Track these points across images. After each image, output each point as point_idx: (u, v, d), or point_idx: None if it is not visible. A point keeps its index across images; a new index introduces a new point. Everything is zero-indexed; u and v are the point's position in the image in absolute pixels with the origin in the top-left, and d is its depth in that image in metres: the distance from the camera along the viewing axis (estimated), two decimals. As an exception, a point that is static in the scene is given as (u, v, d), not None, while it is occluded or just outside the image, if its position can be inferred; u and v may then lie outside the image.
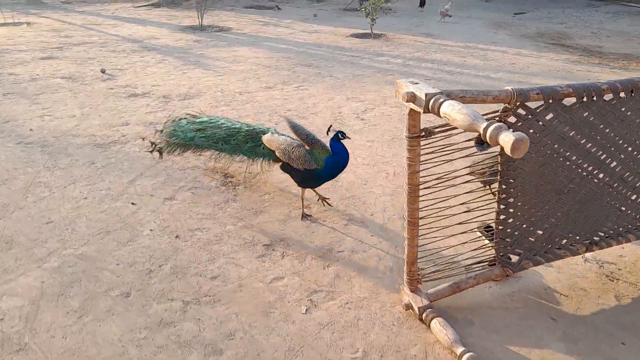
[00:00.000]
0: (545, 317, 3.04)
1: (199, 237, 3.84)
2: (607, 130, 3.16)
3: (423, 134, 2.65)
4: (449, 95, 2.42)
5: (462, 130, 2.75)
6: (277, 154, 4.06)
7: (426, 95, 2.33)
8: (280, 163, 4.17)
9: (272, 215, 4.17)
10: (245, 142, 4.30)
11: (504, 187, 2.98)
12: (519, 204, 3.07)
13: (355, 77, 9.00)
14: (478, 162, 4.15)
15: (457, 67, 9.87)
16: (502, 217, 3.07)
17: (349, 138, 4.04)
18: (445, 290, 3.10)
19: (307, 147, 3.97)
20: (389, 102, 7.48)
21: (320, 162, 3.90)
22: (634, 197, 3.54)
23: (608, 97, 3.04)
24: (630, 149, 3.29)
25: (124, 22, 14.43)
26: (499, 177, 2.96)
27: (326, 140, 4.02)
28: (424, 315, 2.95)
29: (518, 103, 2.72)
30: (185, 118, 4.75)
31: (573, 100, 2.92)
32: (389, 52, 11.27)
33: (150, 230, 3.92)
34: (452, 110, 2.19)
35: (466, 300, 3.18)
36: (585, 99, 2.95)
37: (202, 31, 13.33)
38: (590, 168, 3.24)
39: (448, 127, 2.74)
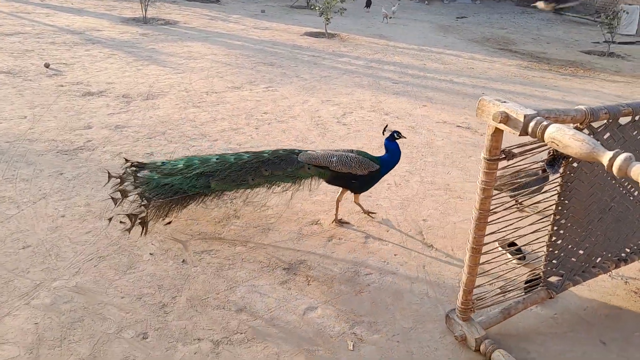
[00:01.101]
0: (595, 341, 2.96)
1: (208, 261, 3.42)
2: (648, 148, 3.13)
3: (503, 156, 2.44)
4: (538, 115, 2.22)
5: (553, 153, 2.61)
6: (332, 167, 3.76)
7: (525, 116, 2.11)
8: (327, 178, 3.86)
9: (283, 234, 3.82)
10: (284, 169, 3.73)
11: (559, 208, 2.85)
12: (569, 224, 2.96)
13: (323, 78, 8.73)
14: (505, 175, 4.03)
15: (419, 71, 9.88)
16: (553, 238, 2.94)
17: (405, 137, 4.00)
18: (497, 318, 2.93)
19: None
20: (364, 106, 7.29)
21: (377, 162, 3.82)
22: (656, 213, 3.57)
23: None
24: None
25: (58, 10, 13.19)
26: (557, 199, 2.82)
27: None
28: (482, 346, 2.76)
29: (588, 123, 2.59)
30: (164, 162, 3.78)
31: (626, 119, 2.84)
32: (348, 53, 11.09)
33: (151, 254, 3.44)
34: (563, 135, 1.98)
35: (513, 326, 3.03)
36: (637, 118, 2.89)
37: (147, 24, 12.46)
38: (629, 186, 3.21)
39: (529, 148, 2.54)
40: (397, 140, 3.89)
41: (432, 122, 6.74)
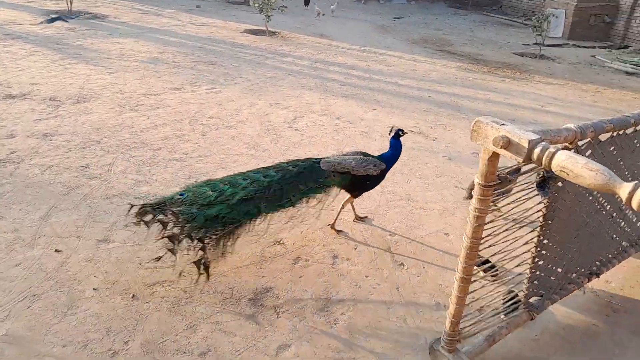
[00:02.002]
0: (579, 363, 2.88)
1: (162, 295, 3.03)
2: (621, 162, 3.10)
3: (499, 181, 2.25)
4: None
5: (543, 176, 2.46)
6: (353, 172, 3.68)
7: (530, 142, 1.93)
8: (347, 183, 3.75)
9: (243, 258, 3.49)
10: (316, 180, 3.53)
11: (544, 229, 2.73)
12: (551, 244, 2.86)
13: (268, 79, 8.38)
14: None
15: (364, 72, 9.76)
16: (537, 260, 2.83)
17: (407, 133, 4.08)
18: (482, 346, 2.78)
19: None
20: (315, 109, 7.03)
21: (382, 161, 3.87)
22: (622, 224, 3.58)
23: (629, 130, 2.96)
24: (630, 178, 3.29)
25: (-34, -1, 11.91)
26: (542, 220, 2.69)
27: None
28: (471, 379, 2.58)
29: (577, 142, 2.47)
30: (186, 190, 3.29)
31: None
32: (291, 53, 10.78)
33: (94, 289, 3.00)
34: (574, 164, 1.81)
35: (496, 353, 2.88)
36: (615, 134, 2.83)
37: (73, 18, 11.51)
38: (602, 200, 3.17)
39: (524, 171, 2.37)
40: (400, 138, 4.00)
41: (384, 127, 6.59)
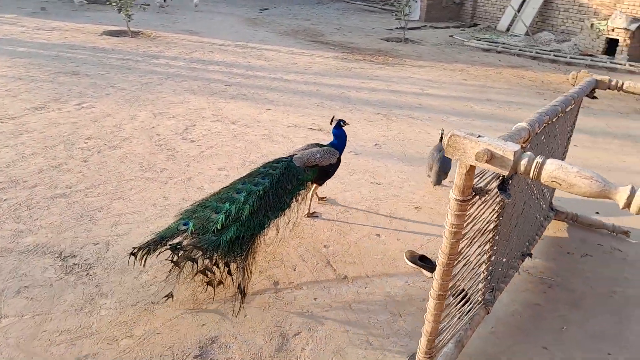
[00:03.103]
0: (538, 348, 2.93)
1: (87, 374, 2.48)
2: (547, 148, 3.20)
3: (474, 193, 2.11)
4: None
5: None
6: (320, 164, 3.82)
7: (515, 154, 1.79)
8: (316, 176, 3.87)
9: (174, 306, 3.01)
10: (298, 177, 3.62)
11: (497, 227, 2.69)
12: (501, 239, 2.85)
13: (144, 86, 7.62)
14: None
15: (246, 69, 9.35)
16: (492, 257, 2.79)
17: (348, 124, 4.28)
18: (453, 353, 2.68)
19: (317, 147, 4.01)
20: (205, 115, 6.52)
21: (335, 149, 4.04)
22: (541, 203, 3.76)
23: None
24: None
25: None
26: (495, 219, 2.65)
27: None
28: (454, 395, 2.47)
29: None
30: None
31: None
32: (162, 54, 9.98)
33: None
34: (567, 174, 1.72)
35: (463, 354, 2.81)
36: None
37: None
38: (533, 186, 3.26)
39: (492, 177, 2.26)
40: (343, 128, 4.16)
41: (284, 127, 6.33)
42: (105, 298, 3.02)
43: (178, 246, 2.91)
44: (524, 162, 1.81)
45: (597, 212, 4.53)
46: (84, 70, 8.12)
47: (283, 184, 3.46)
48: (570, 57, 12.54)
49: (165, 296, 2.95)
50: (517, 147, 1.83)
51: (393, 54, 12.27)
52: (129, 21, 11.35)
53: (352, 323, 3.00)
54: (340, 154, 4.11)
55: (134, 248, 2.94)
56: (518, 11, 15.92)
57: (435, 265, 3.48)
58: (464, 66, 11.30)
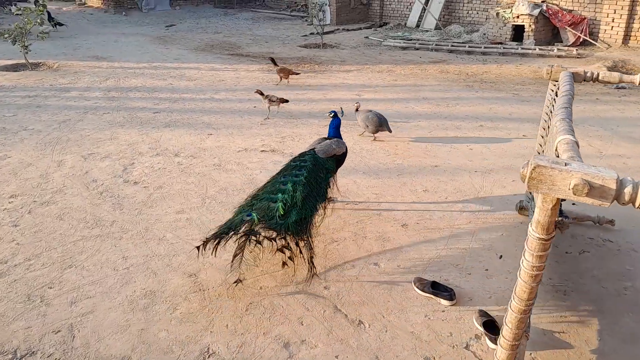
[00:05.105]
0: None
1: None
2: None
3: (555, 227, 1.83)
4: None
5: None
6: (337, 154, 4.14)
7: (617, 182, 1.53)
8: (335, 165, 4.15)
9: (177, 395, 2.49)
10: (325, 167, 3.91)
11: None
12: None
13: (62, 124, 6.76)
14: None
15: (171, 92, 8.67)
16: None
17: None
18: None
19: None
20: (142, 150, 5.86)
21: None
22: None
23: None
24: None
25: None
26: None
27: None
28: None
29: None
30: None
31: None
32: (72, 85, 9.02)
33: None
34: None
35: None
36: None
37: None
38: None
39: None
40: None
41: (234, 153, 5.83)
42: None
43: (253, 231, 3.19)
44: (628, 190, 1.55)
45: (573, 204, 4.52)
46: (-15, 114, 7.08)
47: (317, 173, 3.76)
48: (485, 47, 13.03)
49: (234, 282, 3.27)
50: (615, 174, 1.58)
51: (317, 60, 12.05)
52: (27, 52, 10.18)
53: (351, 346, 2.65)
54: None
55: (202, 241, 3.24)
56: (426, 5, 16.39)
57: (450, 291, 3.25)
58: (389, 67, 11.32)
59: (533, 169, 1.63)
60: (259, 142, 6.21)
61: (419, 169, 5.41)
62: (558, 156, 2.07)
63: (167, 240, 3.93)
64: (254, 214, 3.27)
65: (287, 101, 7.20)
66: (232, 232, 3.21)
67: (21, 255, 3.70)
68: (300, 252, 3.36)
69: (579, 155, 1.90)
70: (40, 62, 10.77)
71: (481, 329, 2.93)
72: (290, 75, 9.38)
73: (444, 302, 3.20)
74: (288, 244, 3.31)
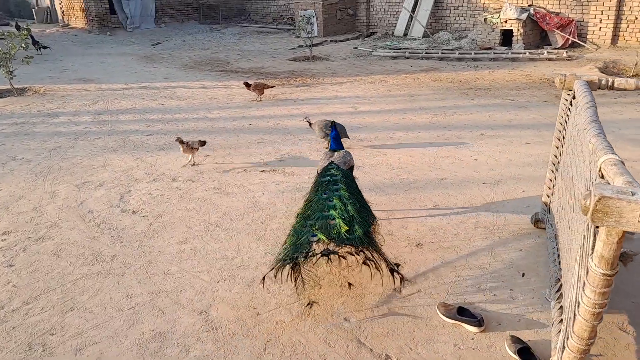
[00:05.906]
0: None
1: None
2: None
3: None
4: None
5: None
6: (352, 165, 4.19)
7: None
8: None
9: None
10: (350, 177, 3.95)
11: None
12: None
13: (53, 152, 6.54)
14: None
15: (163, 113, 8.48)
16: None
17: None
18: None
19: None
20: (138, 176, 5.66)
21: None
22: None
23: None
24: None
25: None
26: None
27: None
28: None
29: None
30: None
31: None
32: (60, 110, 8.79)
33: None
34: None
35: None
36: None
37: None
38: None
39: None
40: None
41: (233, 175, 5.64)
42: None
43: (328, 250, 3.19)
44: None
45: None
46: (-29, 145, 6.83)
47: (350, 184, 3.76)
48: (475, 54, 13.02)
49: (307, 304, 3.21)
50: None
51: (308, 74, 11.93)
52: (12, 78, 9.95)
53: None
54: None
55: (270, 269, 3.25)
56: (413, 13, 16.38)
57: (479, 316, 3.08)
58: (381, 77, 11.24)
59: (598, 201, 1.48)
60: (258, 161, 6.03)
61: (425, 183, 5.26)
62: (602, 176, 1.93)
63: (172, 274, 3.73)
64: (319, 234, 3.22)
65: (204, 143, 6.11)
66: (302, 256, 3.15)
67: (18, 298, 3.47)
68: (379, 262, 3.29)
69: (632, 177, 1.75)
70: (26, 87, 10.53)
71: (516, 357, 2.76)
72: (265, 89, 9.21)
73: (472, 329, 3.03)
74: (371, 256, 3.25)
